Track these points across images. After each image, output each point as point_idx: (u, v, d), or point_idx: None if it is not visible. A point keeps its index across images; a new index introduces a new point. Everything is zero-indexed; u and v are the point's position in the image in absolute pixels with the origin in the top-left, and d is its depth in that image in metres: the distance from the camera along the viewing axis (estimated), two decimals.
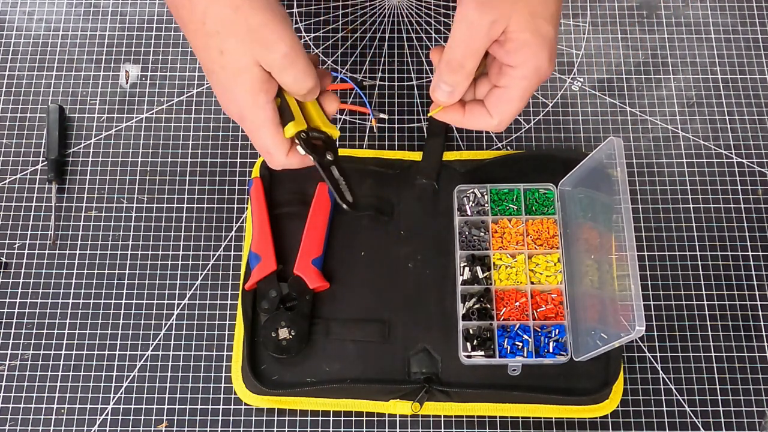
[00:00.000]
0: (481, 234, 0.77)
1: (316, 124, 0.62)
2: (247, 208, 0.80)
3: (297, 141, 0.60)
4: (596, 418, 0.73)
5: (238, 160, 0.82)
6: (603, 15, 0.90)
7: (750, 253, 0.79)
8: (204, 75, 0.86)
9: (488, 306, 0.74)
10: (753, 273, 0.78)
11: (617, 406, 0.73)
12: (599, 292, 0.70)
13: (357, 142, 0.83)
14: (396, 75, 0.87)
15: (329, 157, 0.62)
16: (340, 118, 0.85)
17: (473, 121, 0.62)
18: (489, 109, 0.61)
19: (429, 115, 0.65)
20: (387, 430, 0.73)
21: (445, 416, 0.73)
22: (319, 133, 0.61)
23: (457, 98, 0.61)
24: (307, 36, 0.89)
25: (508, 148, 0.83)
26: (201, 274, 0.78)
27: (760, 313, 0.77)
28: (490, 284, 0.75)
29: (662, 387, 0.74)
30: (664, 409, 0.73)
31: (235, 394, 0.73)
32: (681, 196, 0.81)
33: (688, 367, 0.75)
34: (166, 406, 0.73)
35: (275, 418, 0.73)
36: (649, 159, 0.83)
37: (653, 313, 0.77)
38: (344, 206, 0.61)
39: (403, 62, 0.88)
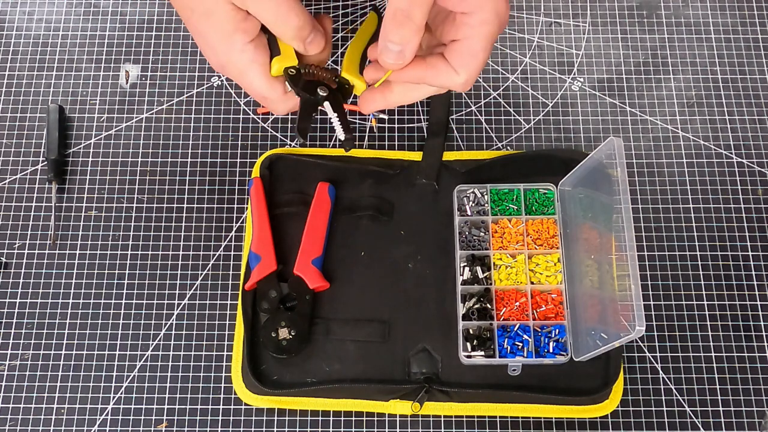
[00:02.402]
0: (481, 234, 0.77)
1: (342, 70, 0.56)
2: (247, 208, 0.80)
3: (285, 78, 0.56)
4: (596, 418, 0.73)
5: (238, 160, 0.82)
6: (603, 15, 0.90)
7: (750, 253, 0.79)
8: (204, 75, 0.86)
9: (488, 306, 0.74)
10: (753, 273, 0.78)
11: (617, 406, 0.73)
12: (599, 292, 0.70)
13: (357, 142, 0.83)
14: None
15: (321, 92, 0.57)
16: None
17: (437, 78, 0.55)
18: (453, 66, 0.55)
19: (376, 84, 0.56)
20: (387, 430, 0.73)
21: (445, 416, 0.73)
22: (321, 71, 0.56)
23: (408, 59, 0.53)
24: None
25: (508, 148, 0.83)
26: (201, 274, 0.78)
27: (760, 313, 0.77)
28: (490, 284, 0.75)
29: (662, 387, 0.74)
30: (664, 409, 0.73)
31: (235, 394, 0.73)
32: (681, 196, 0.81)
33: (688, 367, 0.75)
34: (166, 406, 0.73)
35: (275, 418, 0.73)
36: (649, 159, 0.83)
37: (653, 313, 0.77)
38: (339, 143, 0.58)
39: None
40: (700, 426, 0.73)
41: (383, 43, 0.53)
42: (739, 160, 0.83)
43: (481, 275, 0.75)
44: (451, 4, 0.53)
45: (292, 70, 0.56)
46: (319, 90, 0.57)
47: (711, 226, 0.80)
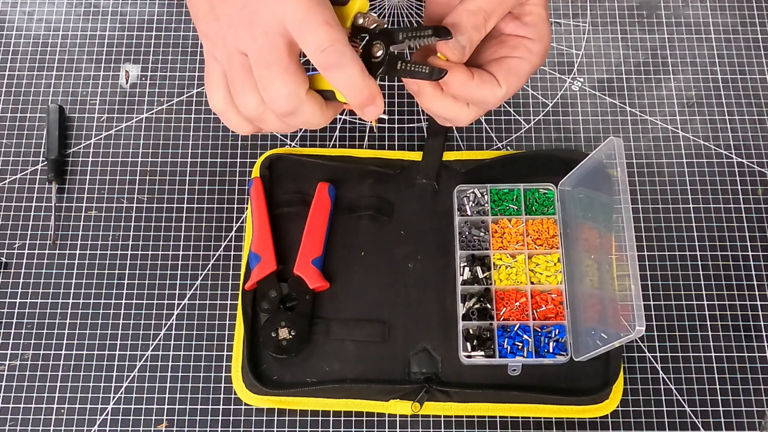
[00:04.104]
0: (481, 234, 0.77)
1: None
2: (247, 208, 0.80)
3: (358, 19, 0.52)
4: (596, 418, 0.73)
5: (238, 160, 0.82)
6: (603, 15, 0.90)
7: (750, 253, 0.79)
8: (203, 75, 0.86)
9: (488, 306, 0.74)
10: (753, 273, 0.78)
11: (617, 406, 0.73)
12: (599, 292, 0.70)
13: (357, 142, 0.83)
14: None
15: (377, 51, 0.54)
16: (340, 118, 0.85)
17: (480, 89, 0.55)
18: (498, 78, 0.56)
19: (439, 56, 0.55)
20: (387, 430, 0.73)
21: (445, 416, 0.73)
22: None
23: (465, 58, 0.54)
24: None
25: (508, 148, 0.83)
26: (201, 274, 0.78)
27: (760, 313, 0.77)
28: (490, 284, 0.75)
29: (662, 387, 0.74)
30: (664, 409, 0.73)
31: (235, 394, 0.73)
32: (681, 196, 0.81)
33: (688, 367, 0.75)
34: (166, 406, 0.73)
35: (275, 418, 0.73)
36: (649, 159, 0.83)
37: (653, 313, 0.77)
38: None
39: None
40: (700, 426, 0.73)
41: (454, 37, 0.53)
42: (739, 160, 0.83)
43: (481, 275, 0.75)
44: (513, 27, 0.55)
45: (362, 17, 0.53)
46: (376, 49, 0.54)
47: (711, 226, 0.80)
